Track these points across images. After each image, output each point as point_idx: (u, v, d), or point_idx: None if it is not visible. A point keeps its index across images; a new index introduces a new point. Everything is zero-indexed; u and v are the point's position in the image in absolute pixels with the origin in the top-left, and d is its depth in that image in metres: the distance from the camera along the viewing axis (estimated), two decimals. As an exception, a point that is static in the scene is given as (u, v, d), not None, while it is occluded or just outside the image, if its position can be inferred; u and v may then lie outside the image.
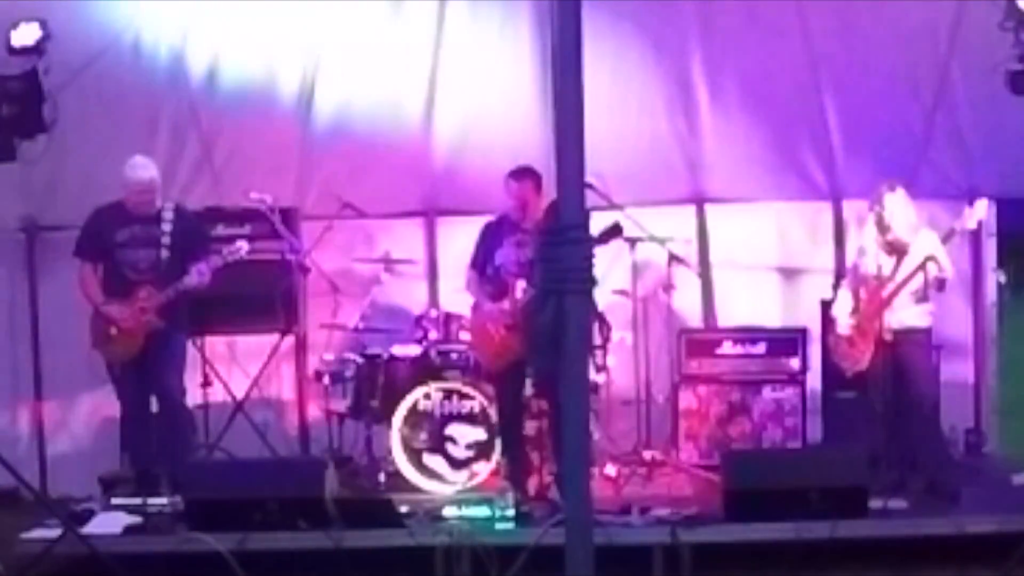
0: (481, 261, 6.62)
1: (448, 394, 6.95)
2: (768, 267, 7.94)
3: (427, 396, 6.94)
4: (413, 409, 6.93)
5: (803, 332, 7.39)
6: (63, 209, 7.36)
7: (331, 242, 7.56)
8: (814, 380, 7.38)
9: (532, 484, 6.50)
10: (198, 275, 6.45)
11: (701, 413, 7.31)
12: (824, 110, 7.56)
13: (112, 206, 6.58)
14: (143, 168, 6.51)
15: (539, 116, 7.11)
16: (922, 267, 6.22)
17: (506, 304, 6.41)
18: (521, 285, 6.33)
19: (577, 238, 3.52)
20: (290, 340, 7.67)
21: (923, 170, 7.50)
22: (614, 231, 5.97)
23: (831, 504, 5.67)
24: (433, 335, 7.22)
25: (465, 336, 7.06)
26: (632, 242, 7.13)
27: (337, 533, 5.73)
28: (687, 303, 7.86)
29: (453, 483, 6.85)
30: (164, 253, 6.49)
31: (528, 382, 6.61)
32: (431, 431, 6.91)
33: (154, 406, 6.62)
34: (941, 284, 6.33)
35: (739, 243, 7.95)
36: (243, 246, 6.69)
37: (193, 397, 7.07)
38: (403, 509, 6.14)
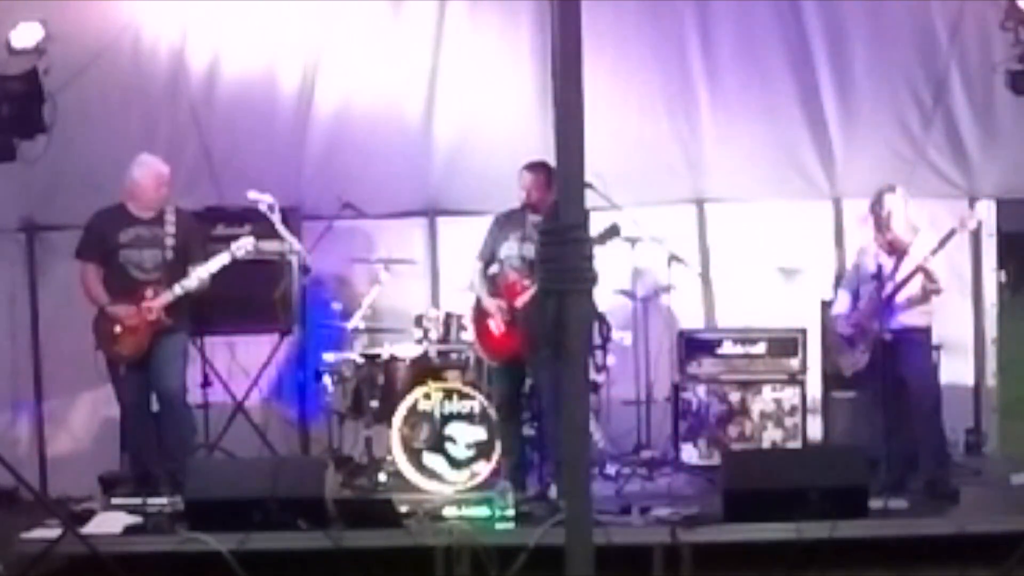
0: (488, 253, 6.61)
1: (448, 394, 6.95)
2: (768, 267, 7.93)
3: (427, 396, 6.94)
4: (413, 409, 6.93)
5: (803, 332, 7.39)
6: (63, 209, 7.37)
7: (331, 242, 7.57)
8: (814, 380, 7.38)
9: (532, 484, 6.50)
10: (207, 273, 6.48)
11: (701, 413, 7.31)
12: (824, 110, 7.56)
13: (114, 208, 6.59)
14: (158, 164, 6.59)
15: (539, 116, 7.11)
16: (914, 275, 6.24)
17: (506, 301, 6.42)
18: (523, 283, 6.34)
19: (577, 238, 3.52)
20: (290, 340, 7.67)
21: (923, 170, 7.52)
22: (612, 232, 5.97)
23: (831, 504, 5.67)
24: (433, 335, 7.22)
25: (465, 333, 7.04)
26: (632, 242, 7.14)
27: (337, 533, 5.73)
28: (687, 303, 7.86)
29: (453, 483, 6.85)
30: (169, 254, 6.51)
31: (527, 381, 6.63)
32: (431, 431, 6.91)
33: (154, 406, 6.62)
34: (935, 293, 6.36)
35: (739, 243, 7.95)
36: (249, 242, 6.65)
37: (193, 397, 7.07)
38: (403, 509, 6.14)
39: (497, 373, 6.71)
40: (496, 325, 6.51)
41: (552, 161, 3.61)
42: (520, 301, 6.36)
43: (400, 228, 8.02)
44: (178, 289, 6.45)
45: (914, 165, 7.51)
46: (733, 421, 7.28)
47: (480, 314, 6.65)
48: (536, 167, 6.42)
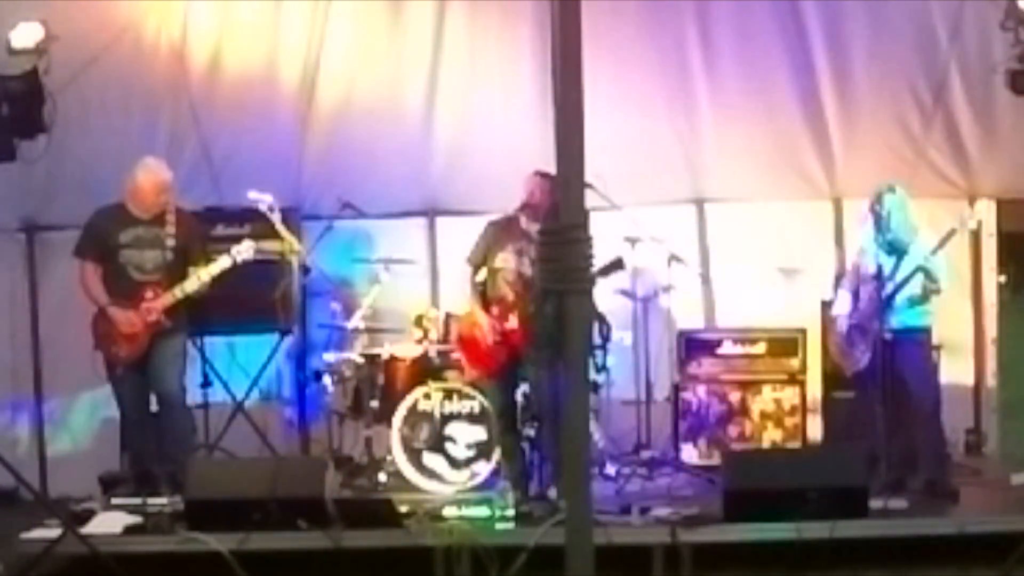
0: (480, 257, 6.50)
1: (448, 394, 6.95)
2: (768, 267, 7.93)
3: (427, 396, 6.94)
4: (413, 409, 6.93)
5: (803, 332, 7.38)
6: (63, 209, 7.37)
7: (331, 242, 7.57)
8: (814, 380, 7.37)
9: (533, 487, 6.49)
10: (208, 276, 6.48)
11: (701, 413, 7.31)
12: (824, 110, 7.56)
13: (114, 207, 6.59)
14: (161, 170, 6.58)
15: (539, 116, 7.09)
16: (914, 275, 6.24)
17: (499, 319, 6.34)
18: (517, 301, 6.26)
19: (577, 238, 3.52)
20: (290, 340, 7.67)
21: (923, 170, 7.52)
22: (616, 266, 5.95)
23: (831, 504, 5.67)
24: (433, 335, 7.22)
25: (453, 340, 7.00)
26: (632, 242, 7.14)
27: (337, 533, 5.73)
28: (687, 303, 7.85)
29: (453, 483, 6.85)
30: (169, 255, 6.52)
31: (526, 385, 6.59)
32: (431, 431, 6.91)
33: (154, 406, 6.62)
34: (935, 293, 6.36)
35: (739, 243, 7.95)
36: (251, 246, 6.65)
37: (193, 397, 7.07)
38: (403, 509, 6.14)
39: (489, 391, 6.66)
40: (482, 337, 6.40)
41: (554, 161, 3.61)
42: (512, 320, 6.28)
43: (400, 228, 8.01)
44: (178, 292, 6.46)
45: (914, 165, 7.51)
46: (733, 421, 7.28)
47: (468, 326, 6.53)
48: (547, 175, 6.38)
